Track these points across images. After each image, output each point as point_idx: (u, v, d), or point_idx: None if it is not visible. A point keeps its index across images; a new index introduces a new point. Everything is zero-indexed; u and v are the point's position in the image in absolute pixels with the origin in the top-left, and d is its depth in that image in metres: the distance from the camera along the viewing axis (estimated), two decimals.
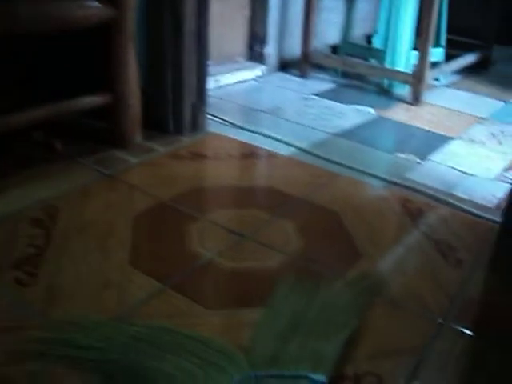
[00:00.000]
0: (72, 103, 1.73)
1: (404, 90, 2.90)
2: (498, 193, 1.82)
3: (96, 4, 1.67)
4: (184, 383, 0.96)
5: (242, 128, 2.20)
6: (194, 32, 1.91)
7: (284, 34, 3.13)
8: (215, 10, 1.96)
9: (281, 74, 3.13)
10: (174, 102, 1.97)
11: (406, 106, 2.73)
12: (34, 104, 1.67)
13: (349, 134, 2.26)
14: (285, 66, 3.19)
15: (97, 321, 1.11)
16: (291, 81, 3.02)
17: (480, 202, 1.76)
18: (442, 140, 2.29)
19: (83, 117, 1.94)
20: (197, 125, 2.05)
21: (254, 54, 3.09)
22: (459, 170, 2.00)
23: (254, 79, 2.98)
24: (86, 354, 1.02)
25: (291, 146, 2.07)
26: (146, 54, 1.93)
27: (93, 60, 1.84)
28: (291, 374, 0.99)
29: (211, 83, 2.63)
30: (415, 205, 1.69)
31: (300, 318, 1.12)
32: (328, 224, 1.54)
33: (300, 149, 2.05)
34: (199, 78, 1.98)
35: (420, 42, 2.71)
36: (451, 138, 2.32)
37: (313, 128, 2.29)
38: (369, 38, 3.55)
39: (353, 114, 2.53)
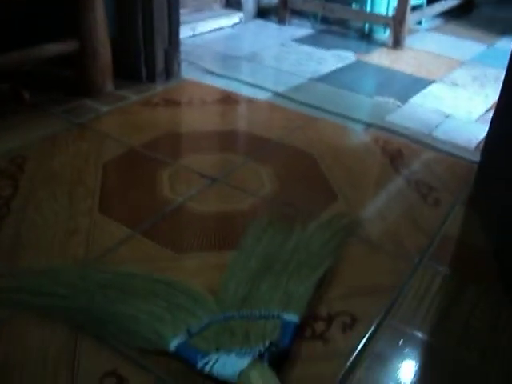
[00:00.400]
0: (38, 50, 1.66)
1: (385, 35, 2.84)
2: (479, 134, 1.78)
3: None
4: (152, 326, 0.93)
5: (218, 75, 2.14)
6: None
7: None
8: None
9: (259, 21, 3.05)
10: (145, 49, 1.90)
11: (387, 50, 2.67)
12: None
13: (328, 78, 2.21)
14: (263, 12, 3.10)
15: (63, 268, 1.08)
16: (269, 27, 2.95)
17: (461, 143, 1.73)
18: (424, 83, 2.25)
19: (52, 66, 1.88)
20: (170, 72, 1.98)
21: (231, 0, 3.01)
22: (440, 112, 1.96)
23: (231, 27, 2.90)
24: (53, 302, 0.99)
25: (268, 91, 2.02)
26: (115, 2, 1.85)
27: (59, 5, 1.76)
28: (262, 315, 0.96)
29: (187, 31, 2.57)
30: (395, 146, 1.65)
31: (273, 260, 1.09)
32: (304, 167, 1.50)
33: (277, 94, 2.00)
34: (171, 24, 1.91)
35: None
36: (433, 81, 2.28)
37: (291, 73, 2.23)
38: None
39: (332, 59, 2.47)
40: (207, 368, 0.84)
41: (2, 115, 1.69)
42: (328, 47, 2.62)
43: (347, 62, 2.45)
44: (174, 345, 0.89)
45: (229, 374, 0.83)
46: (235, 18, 2.93)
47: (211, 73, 2.16)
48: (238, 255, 1.11)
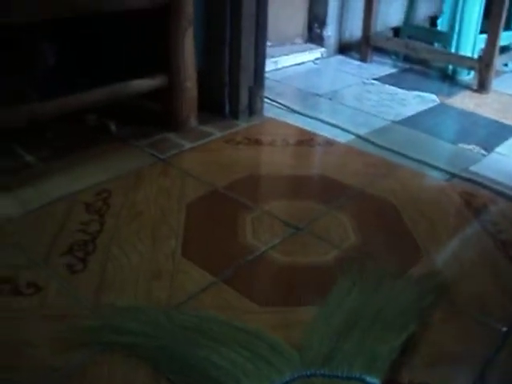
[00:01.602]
0: (128, 86, 1.71)
1: (470, 77, 2.78)
2: None
3: None
4: (233, 375, 0.92)
5: (299, 113, 2.15)
6: (253, 14, 1.86)
7: (344, 15, 3.04)
8: None
9: (340, 57, 3.04)
10: (230, 85, 1.93)
11: (471, 93, 2.61)
12: (91, 86, 1.65)
13: (410, 121, 2.18)
14: (344, 48, 3.10)
15: (147, 309, 1.09)
16: (351, 64, 2.94)
17: None
18: (510, 131, 2.18)
19: (138, 98, 1.92)
20: (253, 109, 2.00)
21: (314, 35, 3.02)
22: None
23: (312, 62, 2.91)
24: (136, 341, 1.00)
25: (350, 133, 2.00)
26: (204, 35, 1.89)
27: (150, 41, 1.81)
28: (345, 375, 0.94)
29: (269, 65, 2.58)
30: (478, 199, 1.60)
31: (358, 317, 1.07)
32: (387, 218, 1.48)
33: (359, 136, 1.99)
34: (257, 62, 1.93)
35: (490, 24, 2.57)
36: None
37: (373, 115, 2.21)
38: (433, 20, 3.43)
39: (415, 100, 2.43)
40: None
41: (88, 146, 1.74)
42: (410, 88, 2.59)
43: (430, 104, 2.41)
44: None
45: None
46: (317, 53, 2.94)
47: (292, 111, 2.16)
48: (324, 309, 1.09)
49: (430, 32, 3.15)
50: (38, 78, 1.79)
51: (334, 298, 1.13)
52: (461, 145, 2.01)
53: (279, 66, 2.71)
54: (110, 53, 1.89)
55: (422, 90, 2.57)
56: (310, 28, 3.03)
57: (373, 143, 1.92)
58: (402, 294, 1.15)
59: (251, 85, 1.95)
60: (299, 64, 2.84)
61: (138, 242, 1.29)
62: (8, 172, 1.58)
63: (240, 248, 1.29)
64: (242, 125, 1.96)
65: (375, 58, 3.02)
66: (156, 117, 1.90)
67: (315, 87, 2.52)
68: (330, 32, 2.98)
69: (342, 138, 1.95)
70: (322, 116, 2.13)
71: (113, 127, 1.83)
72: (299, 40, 3.01)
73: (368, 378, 0.93)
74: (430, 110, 2.35)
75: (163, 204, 1.45)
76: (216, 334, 1.02)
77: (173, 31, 1.72)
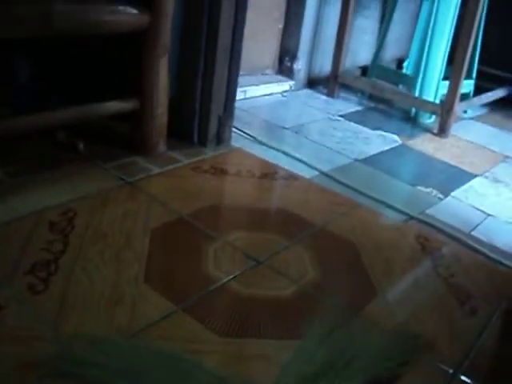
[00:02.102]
0: (100, 107, 1.72)
1: (431, 120, 2.88)
2: None
3: (133, 10, 1.66)
4: None
5: (265, 145, 2.19)
6: (227, 46, 1.91)
7: (315, 50, 3.12)
8: (249, 21, 1.95)
9: (308, 91, 3.12)
10: (200, 113, 1.96)
11: (431, 136, 2.71)
12: (61, 105, 1.67)
13: (372, 160, 2.24)
14: (313, 82, 3.17)
15: (105, 338, 1.10)
16: (318, 99, 3.01)
17: (500, 246, 1.73)
18: (466, 176, 2.27)
19: (109, 120, 1.94)
20: (221, 138, 2.04)
21: (284, 68, 3.09)
22: (481, 210, 1.98)
23: (281, 94, 2.97)
24: (92, 372, 1.01)
25: (314, 168, 2.06)
26: (178, 63, 1.92)
27: (125, 65, 1.83)
28: None
29: (238, 94, 2.61)
30: (433, 243, 1.67)
31: (329, 365, 1.09)
32: (345, 255, 1.52)
33: (322, 173, 2.04)
34: (228, 92, 1.98)
35: (453, 72, 2.68)
36: (475, 175, 2.30)
37: (336, 151, 2.27)
38: (400, 63, 3.54)
39: (378, 139, 2.51)
40: None
41: (56, 164, 1.74)
42: (374, 127, 2.67)
43: (392, 144, 2.48)
44: None
45: None
46: (286, 85, 3.01)
47: (259, 142, 2.21)
48: (298, 351, 1.12)
49: (395, 74, 3.26)
50: (9, 94, 1.80)
51: (309, 340, 1.15)
52: (419, 187, 2.08)
53: (248, 95, 2.76)
54: (83, 72, 1.91)
55: (385, 130, 2.65)
56: (280, 60, 3.09)
57: (336, 180, 1.98)
58: (378, 343, 1.18)
59: (221, 114, 1.99)
60: (268, 95, 2.89)
61: (102, 264, 1.30)
62: None
63: (202, 277, 1.31)
64: (210, 153, 1.99)
65: (342, 94, 3.10)
66: (125, 139, 1.91)
67: (282, 120, 2.57)
68: (300, 66, 3.06)
69: (306, 172, 2.00)
70: (287, 149, 2.18)
71: (81, 146, 1.83)
72: (269, 71, 3.07)
73: None
74: (392, 150, 2.43)
75: (128, 228, 1.47)
76: (171, 371, 1.03)
77: (148, 57, 1.75)
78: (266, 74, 3.05)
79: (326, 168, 2.07)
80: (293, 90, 3.04)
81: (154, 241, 1.42)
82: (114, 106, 1.75)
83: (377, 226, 1.72)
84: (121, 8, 1.64)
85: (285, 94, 2.98)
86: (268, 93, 2.90)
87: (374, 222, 1.74)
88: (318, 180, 1.98)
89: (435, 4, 2.79)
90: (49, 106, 1.66)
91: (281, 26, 3.02)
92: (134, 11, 1.66)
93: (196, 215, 1.58)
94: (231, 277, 1.33)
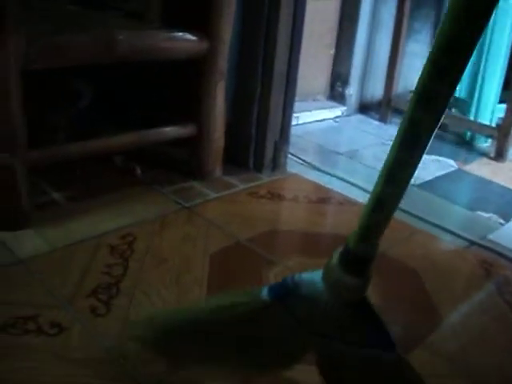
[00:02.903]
0: (158, 132, 1.75)
1: (487, 144, 2.82)
2: None
3: (191, 37, 1.69)
4: None
5: (320, 170, 2.18)
6: (283, 72, 1.91)
7: (367, 75, 3.11)
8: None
9: (360, 116, 3.10)
10: (256, 139, 1.97)
11: (488, 160, 2.65)
12: (118, 130, 1.69)
13: (429, 186, 2.20)
14: (365, 108, 3.16)
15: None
16: (370, 124, 2.99)
17: None
18: None
19: (165, 145, 1.96)
20: (277, 164, 2.04)
21: (335, 93, 3.08)
22: None
23: (333, 119, 2.96)
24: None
25: (369, 193, 2.02)
26: (234, 89, 1.94)
27: (182, 90, 1.86)
28: None
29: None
30: (497, 269, 1.61)
31: None
32: (407, 282, 1.49)
33: None
34: (284, 118, 1.98)
35: (509, 94, 2.63)
36: None
37: None
38: None
39: (433, 164, 2.47)
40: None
41: (114, 187, 1.77)
42: (428, 151, 2.60)
43: (448, 169, 2.44)
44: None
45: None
46: (337, 111, 3.00)
47: (314, 167, 2.20)
48: None
49: None
50: (71, 118, 1.84)
51: None
52: (479, 212, 2.03)
53: (300, 121, 2.76)
54: (140, 97, 1.94)
55: (441, 155, 2.61)
56: (332, 86, 3.09)
57: None
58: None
59: (277, 140, 1.99)
60: (320, 121, 2.89)
61: (163, 288, 1.31)
62: (34, 209, 1.60)
63: None
64: (266, 178, 1.99)
65: (394, 119, 3.06)
66: (181, 164, 1.93)
67: (336, 145, 2.56)
68: (351, 91, 3.05)
69: (361, 198, 1.98)
70: (342, 174, 2.16)
71: (139, 171, 1.86)
72: (321, 97, 3.07)
73: None
74: (448, 175, 2.38)
75: (188, 252, 1.47)
76: None
77: (205, 83, 1.77)
78: (318, 100, 3.04)
79: None
80: (345, 116, 3.03)
81: (214, 265, 1.42)
82: (172, 131, 1.77)
83: (438, 252, 1.68)
84: (179, 35, 1.67)
85: (337, 119, 2.97)
86: (320, 118, 2.89)
87: (434, 248, 1.70)
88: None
89: (489, 27, 2.76)
90: (106, 130, 1.69)
91: (332, 51, 3.03)
92: (193, 38, 1.69)
93: (254, 240, 1.57)
94: None
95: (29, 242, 1.46)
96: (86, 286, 1.29)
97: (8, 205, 1.49)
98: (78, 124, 1.86)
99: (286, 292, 0.94)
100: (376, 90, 3.16)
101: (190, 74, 1.78)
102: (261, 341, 0.97)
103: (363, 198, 1.97)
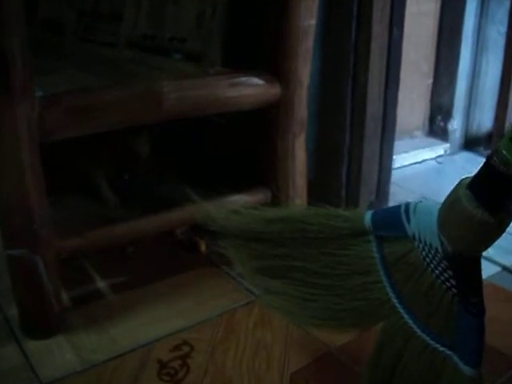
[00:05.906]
0: (223, 201, 1.39)
1: None
2: None
3: (259, 81, 1.34)
4: None
5: None
6: (378, 114, 1.53)
7: (473, 105, 2.67)
8: None
9: (467, 154, 2.65)
10: (347, 201, 1.58)
11: None
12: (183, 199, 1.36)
13: None
14: (471, 143, 2.70)
15: None
16: (480, 163, 2.53)
17: None
18: None
19: None
20: None
21: (436, 128, 2.65)
22: None
23: (434, 159, 2.53)
24: None
25: (492, 262, 1.60)
26: (316, 140, 1.57)
27: (249, 147, 1.51)
28: None
29: None
30: None
31: None
32: None
33: (505, 268, 1.58)
34: (381, 173, 1.59)
35: None
36: None
37: None
38: None
39: None
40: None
41: (171, 271, 1.44)
42: None
43: None
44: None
45: None
46: (440, 149, 2.56)
47: None
48: None
49: None
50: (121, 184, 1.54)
51: None
52: None
53: (396, 164, 2.35)
54: (199, 157, 1.61)
55: None
56: (431, 120, 2.67)
57: None
58: None
59: (373, 200, 1.60)
60: (420, 162, 2.47)
61: None
62: (72, 302, 1.29)
63: None
64: None
65: None
66: None
67: (440, 193, 2.07)
68: (455, 125, 2.61)
69: (488, 270, 1.55)
70: None
71: (203, 247, 1.52)
72: (419, 133, 2.65)
73: None
74: None
75: (260, 370, 1.10)
76: None
77: (280, 137, 1.40)
78: (416, 137, 2.63)
79: (508, 262, 1.61)
80: (448, 155, 2.59)
81: None
82: (238, 199, 1.41)
83: None
84: (243, 79, 1.32)
85: (439, 159, 2.54)
86: (420, 160, 2.47)
87: None
88: (502, 280, 1.51)
89: None
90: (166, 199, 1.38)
91: (430, 81, 2.61)
92: (261, 82, 1.34)
93: (344, 349, 1.17)
94: None
95: (57, 356, 1.15)
96: None
97: (32, 309, 1.18)
98: (131, 190, 1.56)
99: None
100: (483, 122, 2.71)
101: (260, 126, 1.42)
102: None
103: (485, 270, 1.54)
